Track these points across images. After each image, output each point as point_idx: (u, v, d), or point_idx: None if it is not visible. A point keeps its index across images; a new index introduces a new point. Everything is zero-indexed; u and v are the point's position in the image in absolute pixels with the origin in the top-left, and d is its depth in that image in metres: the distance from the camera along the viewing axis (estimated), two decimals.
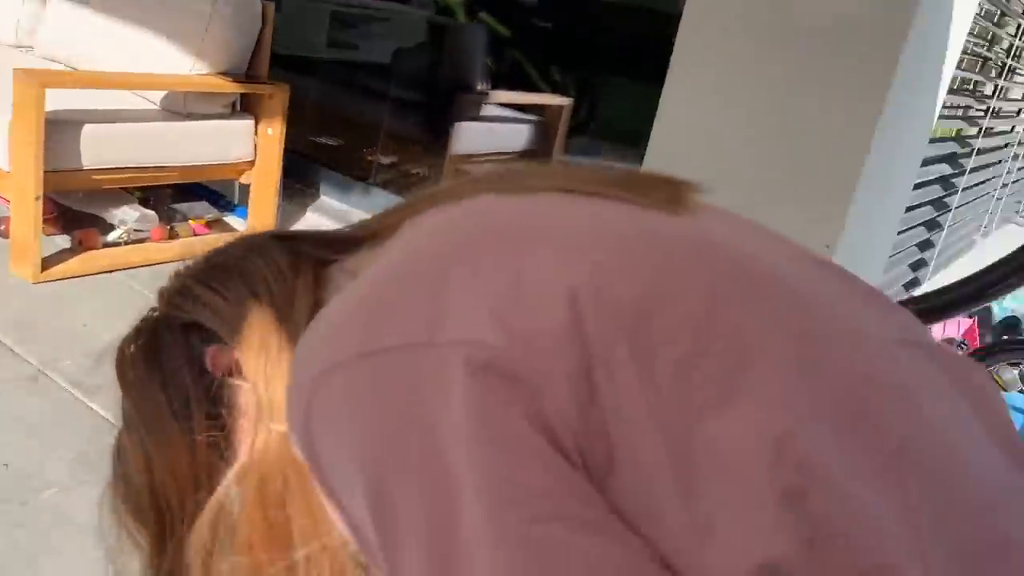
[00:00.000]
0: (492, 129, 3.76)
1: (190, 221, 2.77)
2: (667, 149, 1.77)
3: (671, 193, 0.59)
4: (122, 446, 0.65)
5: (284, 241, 0.68)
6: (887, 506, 0.43)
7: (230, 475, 0.61)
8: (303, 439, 0.49)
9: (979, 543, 0.44)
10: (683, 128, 1.77)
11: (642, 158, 1.79)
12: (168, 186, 2.74)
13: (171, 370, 0.63)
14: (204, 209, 2.88)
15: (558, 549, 0.41)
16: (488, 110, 3.79)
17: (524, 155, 3.61)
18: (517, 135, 3.78)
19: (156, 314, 0.66)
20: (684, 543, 0.42)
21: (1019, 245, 1.06)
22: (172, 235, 2.66)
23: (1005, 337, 2.30)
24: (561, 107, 3.58)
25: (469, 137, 3.57)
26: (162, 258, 2.47)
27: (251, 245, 0.67)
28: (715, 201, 0.62)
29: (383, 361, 0.46)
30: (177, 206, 2.82)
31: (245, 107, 2.73)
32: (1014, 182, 5.67)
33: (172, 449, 0.62)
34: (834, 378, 0.47)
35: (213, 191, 2.98)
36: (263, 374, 0.60)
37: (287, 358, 0.59)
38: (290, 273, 0.63)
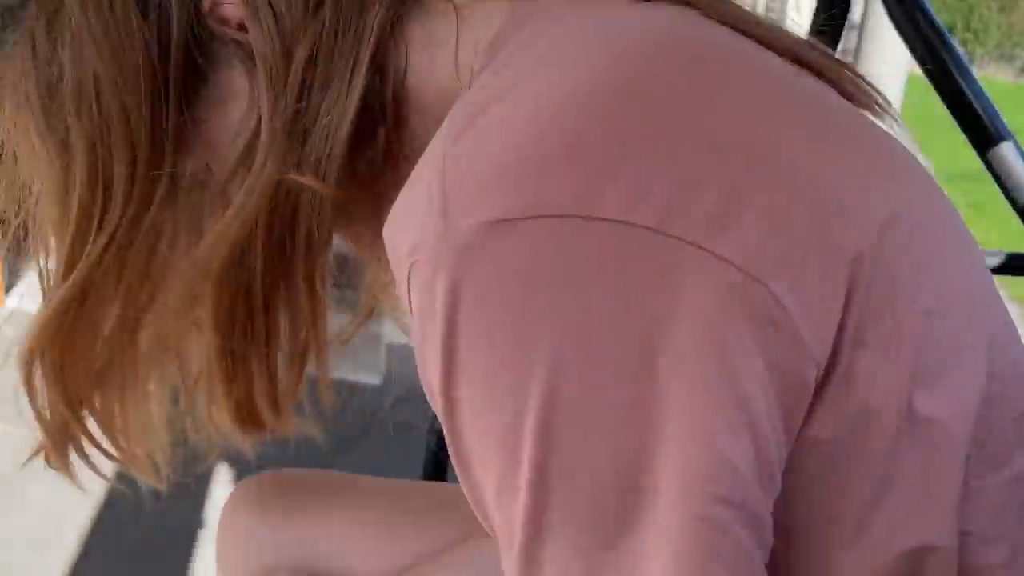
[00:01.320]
0: None
1: None
2: None
3: (857, 86, 0.49)
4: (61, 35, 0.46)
5: None
6: None
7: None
8: (445, 317, 0.35)
9: None
10: None
11: None
12: None
13: None
14: None
15: (723, 538, 0.35)
16: None
17: None
18: None
19: None
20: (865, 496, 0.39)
21: None
22: None
23: None
24: None
25: None
26: None
27: None
28: None
29: (594, 233, 0.33)
30: None
31: None
32: None
33: (133, 79, 0.45)
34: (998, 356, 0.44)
35: None
36: (272, 39, 0.44)
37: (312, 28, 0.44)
38: None
